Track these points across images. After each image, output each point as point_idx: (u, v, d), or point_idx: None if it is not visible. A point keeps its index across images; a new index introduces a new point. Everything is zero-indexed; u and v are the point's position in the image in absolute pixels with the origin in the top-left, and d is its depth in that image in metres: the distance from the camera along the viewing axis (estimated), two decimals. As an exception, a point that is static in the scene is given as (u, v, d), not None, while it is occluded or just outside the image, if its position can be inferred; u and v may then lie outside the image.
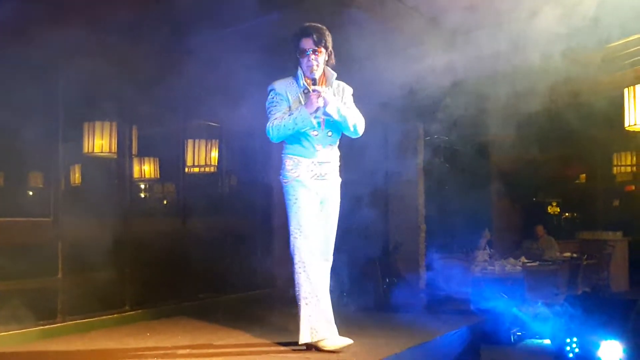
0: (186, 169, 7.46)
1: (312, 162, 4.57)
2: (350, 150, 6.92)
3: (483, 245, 9.49)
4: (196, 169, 7.72)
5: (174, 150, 7.25)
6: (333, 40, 4.62)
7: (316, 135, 4.56)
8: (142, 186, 8.04)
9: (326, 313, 4.54)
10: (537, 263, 8.90)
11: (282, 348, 4.68)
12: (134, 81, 6.20)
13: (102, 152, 6.53)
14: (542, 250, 10.00)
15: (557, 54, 6.52)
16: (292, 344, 4.65)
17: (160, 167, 7.71)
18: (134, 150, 6.77)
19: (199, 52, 5.92)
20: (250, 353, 4.58)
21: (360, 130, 4.70)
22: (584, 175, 14.00)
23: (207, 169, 7.81)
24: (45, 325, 5.51)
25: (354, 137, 4.74)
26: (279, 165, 4.68)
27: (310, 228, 4.54)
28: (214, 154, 7.76)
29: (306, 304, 4.46)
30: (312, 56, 4.50)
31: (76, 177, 6.58)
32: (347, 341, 4.54)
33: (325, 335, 4.49)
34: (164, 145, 7.23)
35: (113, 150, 6.54)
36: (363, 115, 4.73)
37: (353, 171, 8.51)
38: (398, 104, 7.88)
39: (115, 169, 6.60)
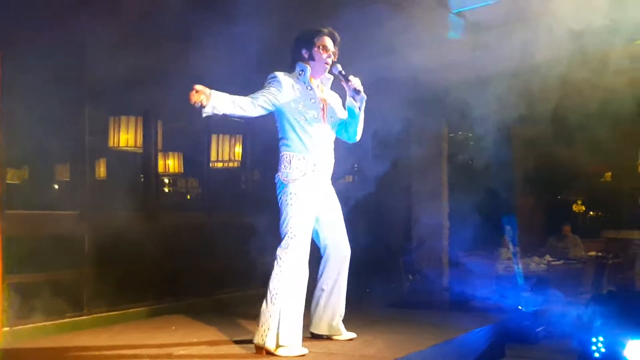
0: (210, 164, 7.48)
1: (313, 161, 4.45)
2: (373, 146, 6.92)
3: (507, 243, 9.42)
4: (220, 164, 7.75)
5: (198, 145, 7.28)
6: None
7: (318, 133, 4.49)
8: (167, 181, 8.09)
9: (296, 319, 4.30)
10: (561, 261, 8.83)
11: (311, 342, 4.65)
12: (160, 75, 6.23)
13: (127, 147, 6.57)
14: (567, 249, 9.92)
15: (582, 50, 6.46)
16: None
17: (184, 162, 7.75)
18: (159, 145, 6.80)
19: (226, 47, 5.93)
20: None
21: (360, 136, 4.72)
22: (609, 173, 13.86)
23: (230, 164, 7.84)
24: (72, 317, 5.56)
25: (350, 141, 4.73)
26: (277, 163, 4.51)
27: (305, 230, 4.39)
28: (238, 149, 7.78)
29: (281, 305, 4.21)
30: (329, 54, 4.53)
31: (102, 171, 6.64)
32: (304, 351, 4.29)
33: (287, 342, 4.23)
34: (189, 140, 7.26)
35: (139, 145, 6.58)
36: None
37: (376, 167, 8.53)
38: (422, 98, 7.85)
39: (141, 164, 6.64)
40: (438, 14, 6.61)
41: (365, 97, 4.55)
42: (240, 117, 4.33)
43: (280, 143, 4.49)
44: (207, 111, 4.07)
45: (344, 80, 4.56)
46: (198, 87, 4.03)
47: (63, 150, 5.87)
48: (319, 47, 4.52)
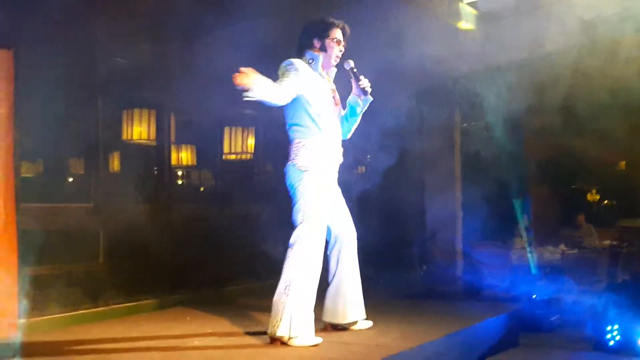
0: (223, 156, 7.50)
1: (328, 148, 4.45)
2: (385, 136, 6.92)
3: (521, 232, 9.40)
4: (233, 157, 7.76)
5: (211, 137, 7.30)
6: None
7: (331, 122, 4.48)
8: (180, 173, 8.11)
9: (310, 309, 4.29)
10: (576, 251, 8.81)
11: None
12: (172, 69, 6.24)
13: (140, 139, 6.59)
14: (581, 239, 9.88)
15: (594, 39, 6.43)
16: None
17: (197, 155, 7.77)
18: (172, 137, 6.82)
19: (237, 39, 5.93)
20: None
21: (351, 135, 4.77)
22: (623, 162, 13.77)
23: (243, 157, 7.85)
24: (87, 309, 5.59)
25: (343, 137, 4.69)
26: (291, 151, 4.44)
27: (322, 219, 4.38)
28: (251, 141, 7.79)
29: (294, 296, 4.20)
30: (340, 47, 4.53)
31: (115, 164, 6.66)
32: (317, 340, 4.29)
33: (301, 332, 4.22)
34: (202, 133, 7.28)
35: (152, 138, 6.60)
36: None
37: (389, 158, 8.52)
38: (434, 89, 7.84)
39: (154, 156, 6.67)
40: (449, 4, 6.59)
41: (372, 99, 4.55)
42: (269, 104, 4.16)
43: (293, 131, 4.42)
44: (249, 95, 3.93)
45: (355, 78, 4.56)
46: (244, 69, 3.90)
47: (77, 143, 5.91)
48: (332, 39, 4.51)
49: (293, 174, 4.39)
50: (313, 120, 4.39)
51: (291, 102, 4.34)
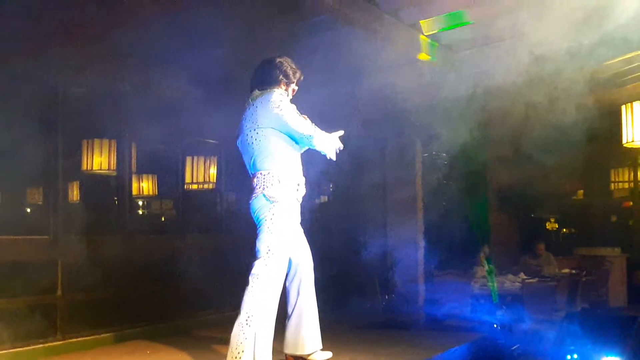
0: (185, 186, 7.45)
1: (296, 182, 4.48)
2: (348, 165, 6.95)
3: (482, 261, 9.46)
4: (195, 186, 7.72)
5: (172, 167, 7.25)
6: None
7: (298, 154, 4.57)
8: (141, 203, 8.04)
9: (270, 340, 4.27)
10: (536, 279, 8.89)
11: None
12: (133, 98, 6.21)
13: (101, 169, 6.53)
14: (541, 267, 9.98)
15: (554, 71, 6.56)
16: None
17: (158, 184, 7.72)
18: (133, 167, 6.76)
19: (199, 69, 5.94)
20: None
21: None
22: (581, 191, 14.02)
23: (205, 186, 7.81)
24: (45, 343, 5.48)
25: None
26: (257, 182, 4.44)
27: (286, 251, 4.40)
28: (213, 170, 7.76)
29: (256, 327, 4.17)
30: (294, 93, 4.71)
31: (75, 194, 6.58)
32: None
33: None
34: (163, 162, 7.23)
35: (112, 168, 6.54)
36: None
37: (351, 187, 8.55)
38: (396, 119, 7.91)
39: (115, 186, 6.60)
40: (410, 36, 6.68)
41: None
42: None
43: (265, 162, 4.41)
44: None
45: None
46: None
47: (35, 173, 5.82)
48: (293, 89, 4.68)
49: (262, 205, 4.37)
50: (288, 152, 4.44)
51: (273, 135, 4.41)
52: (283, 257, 4.37)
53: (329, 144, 4.44)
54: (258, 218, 4.40)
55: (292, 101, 4.59)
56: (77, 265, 5.77)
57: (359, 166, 8.14)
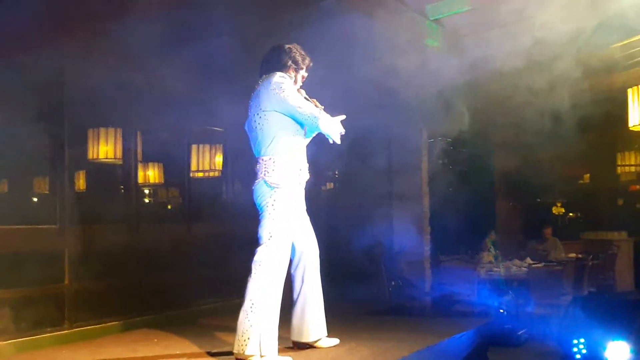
0: (191, 174, 7.46)
1: (299, 167, 4.48)
2: (354, 152, 6.95)
3: (488, 246, 9.47)
4: (200, 174, 7.72)
5: (178, 155, 7.25)
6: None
7: (302, 139, 4.56)
8: (147, 191, 8.05)
9: (275, 326, 4.27)
10: (542, 264, 8.89)
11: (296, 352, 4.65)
12: (139, 87, 6.21)
13: (107, 158, 6.53)
14: (547, 252, 9.98)
15: (560, 55, 6.53)
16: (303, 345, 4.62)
17: (164, 172, 7.72)
18: (139, 155, 6.77)
19: (202, 58, 5.93)
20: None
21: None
22: (587, 175, 13.99)
23: (211, 174, 7.81)
24: (53, 332, 5.52)
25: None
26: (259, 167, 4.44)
27: (289, 237, 4.39)
28: (219, 158, 7.76)
29: (261, 313, 4.18)
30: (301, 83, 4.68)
31: (81, 183, 6.60)
32: (287, 359, 4.28)
33: (268, 351, 4.20)
34: (169, 151, 7.23)
35: (118, 156, 6.55)
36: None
37: (357, 174, 8.54)
38: (402, 105, 7.89)
39: (121, 175, 6.61)
40: (416, 21, 6.65)
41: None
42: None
43: (268, 147, 4.40)
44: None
45: None
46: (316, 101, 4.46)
47: (42, 163, 5.84)
48: (302, 76, 4.67)
49: (263, 191, 4.37)
50: (289, 137, 4.42)
51: (273, 118, 4.39)
52: (285, 243, 4.36)
53: (334, 126, 4.38)
54: (260, 204, 4.40)
55: (302, 88, 4.59)
56: (84, 254, 5.80)
57: (364, 152, 8.13)
